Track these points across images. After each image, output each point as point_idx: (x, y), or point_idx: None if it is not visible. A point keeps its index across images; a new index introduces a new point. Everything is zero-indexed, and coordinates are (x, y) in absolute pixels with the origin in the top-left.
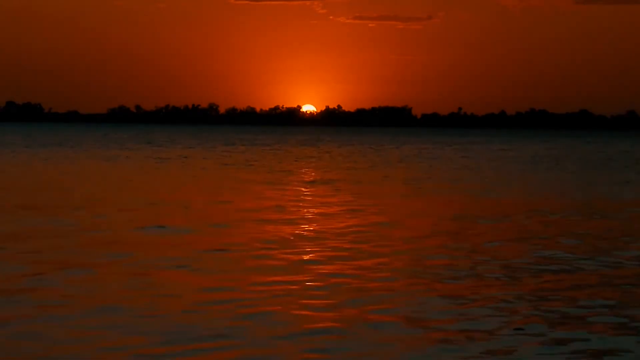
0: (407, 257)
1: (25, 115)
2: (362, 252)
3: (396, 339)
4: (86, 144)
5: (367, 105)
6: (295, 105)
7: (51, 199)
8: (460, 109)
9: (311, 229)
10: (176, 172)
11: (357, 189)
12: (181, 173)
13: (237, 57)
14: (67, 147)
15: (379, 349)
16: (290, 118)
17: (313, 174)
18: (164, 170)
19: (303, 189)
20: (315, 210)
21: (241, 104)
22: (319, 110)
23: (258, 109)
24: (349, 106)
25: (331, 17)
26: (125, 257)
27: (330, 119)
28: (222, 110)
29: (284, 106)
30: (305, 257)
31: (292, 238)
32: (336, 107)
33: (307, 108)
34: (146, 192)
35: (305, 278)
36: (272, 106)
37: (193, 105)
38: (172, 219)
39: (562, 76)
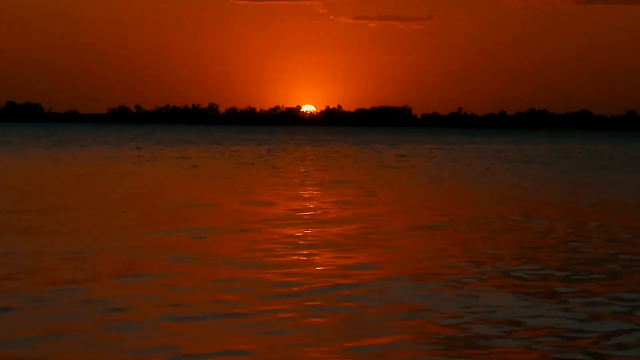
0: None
1: (25, 115)
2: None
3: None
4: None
5: (367, 105)
6: (295, 105)
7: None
8: (460, 109)
9: None
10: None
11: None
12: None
13: (238, 57)
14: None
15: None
16: (290, 118)
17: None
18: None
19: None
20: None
21: (241, 104)
22: (319, 110)
23: (258, 109)
24: (349, 106)
25: (331, 17)
26: None
27: (330, 119)
28: (222, 110)
29: (284, 106)
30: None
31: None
32: (336, 107)
33: (307, 108)
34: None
35: None
36: (272, 106)
37: (193, 105)
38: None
39: (562, 76)
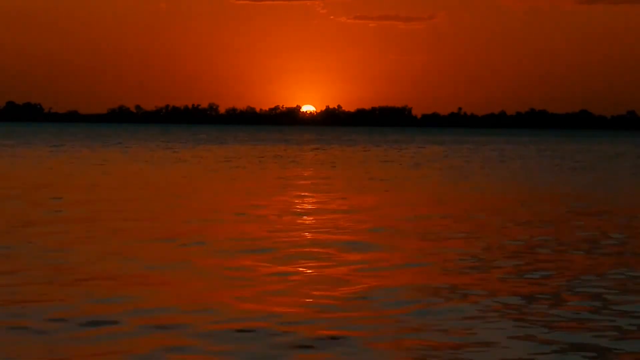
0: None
1: (25, 115)
2: None
3: None
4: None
5: (367, 105)
6: (295, 105)
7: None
8: (460, 109)
9: None
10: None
11: None
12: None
13: (237, 57)
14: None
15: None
16: (291, 118)
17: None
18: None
19: None
20: None
21: (241, 104)
22: (319, 110)
23: (258, 109)
24: (349, 106)
25: (332, 17)
26: None
27: (330, 119)
28: (222, 110)
29: (284, 106)
30: None
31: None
32: (336, 107)
33: (307, 108)
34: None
35: None
36: (272, 106)
37: (193, 105)
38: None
39: (562, 76)
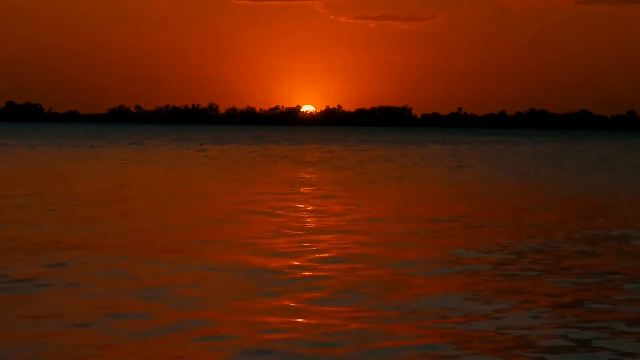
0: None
1: (25, 115)
2: None
3: None
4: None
5: (367, 105)
6: (295, 105)
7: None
8: (460, 109)
9: None
10: None
11: None
12: None
13: (237, 57)
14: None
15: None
16: (291, 118)
17: None
18: None
19: None
20: None
21: (241, 104)
22: (319, 110)
23: (258, 109)
24: (349, 106)
25: (332, 17)
26: None
27: (330, 119)
28: (222, 110)
29: (284, 106)
30: None
31: None
32: (336, 107)
33: (307, 108)
34: None
35: None
36: (272, 106)
37: (193, 105)
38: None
39: (562, 76)
